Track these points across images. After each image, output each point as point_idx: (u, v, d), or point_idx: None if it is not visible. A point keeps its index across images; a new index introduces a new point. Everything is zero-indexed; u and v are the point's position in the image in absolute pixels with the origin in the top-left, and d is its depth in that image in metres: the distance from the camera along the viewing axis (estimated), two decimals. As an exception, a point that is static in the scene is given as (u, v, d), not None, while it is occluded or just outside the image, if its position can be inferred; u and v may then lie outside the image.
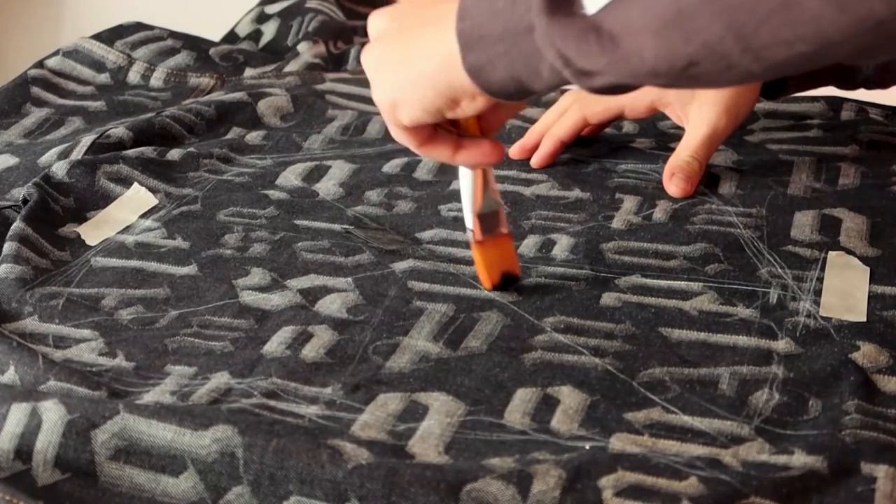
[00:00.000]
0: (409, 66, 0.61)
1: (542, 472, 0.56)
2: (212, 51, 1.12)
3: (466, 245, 0.79)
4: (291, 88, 1.04)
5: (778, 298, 0.71)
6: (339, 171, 0.89)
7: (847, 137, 0.93)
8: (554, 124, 0.91)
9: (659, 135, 0.95)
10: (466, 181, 0.69)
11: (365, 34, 1.21)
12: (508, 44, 0.56)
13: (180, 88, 1.06)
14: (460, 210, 0.83)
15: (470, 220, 0.70)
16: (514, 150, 0.92)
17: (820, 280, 0.73)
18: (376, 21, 0.65)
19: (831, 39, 0.47)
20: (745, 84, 0.51)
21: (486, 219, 0.70)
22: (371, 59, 0.64)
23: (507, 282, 0.72)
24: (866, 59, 0.51)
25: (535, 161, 0.90)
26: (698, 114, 0.86)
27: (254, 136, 0.96)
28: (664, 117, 0.93)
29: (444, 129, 0.66)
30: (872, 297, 0.71)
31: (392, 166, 0.90)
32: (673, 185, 0.84)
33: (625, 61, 0.51)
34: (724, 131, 0.86)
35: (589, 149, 0.93)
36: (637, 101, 0.89)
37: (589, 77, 0.53)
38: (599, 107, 0.90)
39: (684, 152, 0.85)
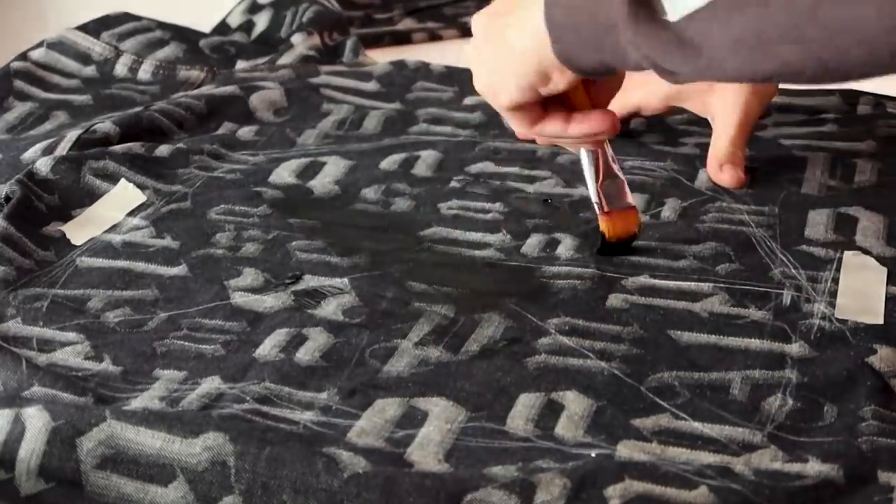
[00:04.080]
0: (500, 53, 0.66)
1: (545, 481, 0.56)
2: (202, 42, 1.12)
3: (467, 244, 0.79)
4: (285, 82, 1.04)
5: (791, 300, 0.71)
6: (335, 167, 0.89)
7: (863, 132, 0.93)
8: None
9: (667, 130, 0.95)
10: (585, 158, 0.75)
11: (361, 25, 1.21)
12: (595, 35, 0.59)
13: (169, 82, 1.06)
14: (460, 208, 0.83)
15: (594, 194, 0.75)
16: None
17: (835, 281, 0.73)
18: (474, 19, 0.70)
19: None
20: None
21: (609, 192, 0.75)
22: (470, 53, 0.70)
23: (626, 243, 0.77)
24: None
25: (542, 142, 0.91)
26: (723, 101, 0.86)
27: (246, 132, 0.96)
28: (672, 111, 0.93)
29: (555, 106, 0.70)
30: (890, 299, 0.71)
31: (389, 162, 0.90)
32: (726, 177, 0.85)
33: (707, 69, 0.56)
34: (754, 112, 0.87)
35: (594, 144, 0.92)
36: (652, 97, 0.89)
37: (673, 76, 0.58)
38: (614, 102, 0.90)
39: (723, 142, 0.86)
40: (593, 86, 0.71)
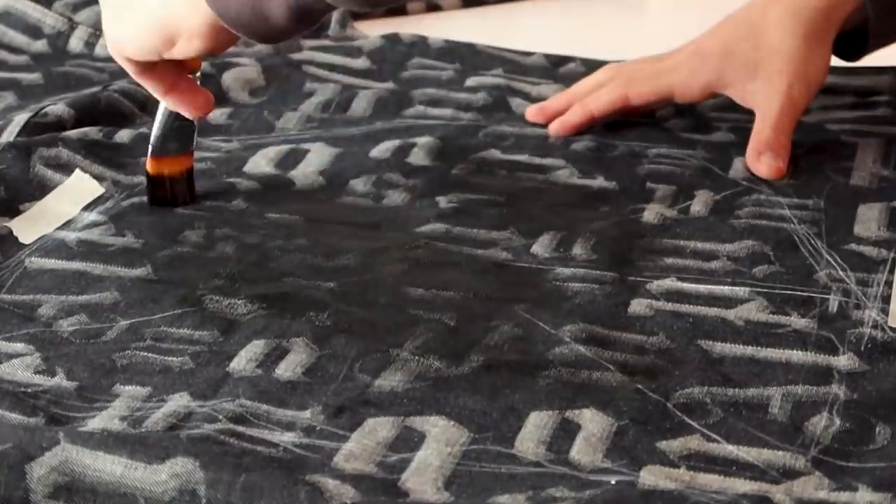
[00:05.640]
0: (136, 6, 0.71)
1: (559, 512, 0.56)
2: (168, 13, 1.11)
3: (470, 243, 0.79)
4: (262, 58, 1.04)
5: (839, 306, 0.72)
6: (319, 155, 0.89)
7: (920, 116, 0.93)
8: (589, 95, 0.92)
9: (697, 115, 0.95)
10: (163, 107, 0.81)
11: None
12: None
13: (131, 58, 1.06)
14: (462, 202, 0.83)
15: (157, 138, 0.82)
16: (532, 111, 0.93)
17: (889, 284, 0.73)
18: None
19: None
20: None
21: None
22: None
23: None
24: None
25: (556, 126, 0.91)
26: (766, 87, 0.87)
27: (218, 115, 0.96)
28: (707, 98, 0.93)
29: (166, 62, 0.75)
30: (951, 305, 0.72)
31: (381, 150, 0.90)
32: (763, 166, 0.86)
33: None
34: (801, 98, 0.87)
35: (614, 130, 0.93)
36: (690, 83, 0.90)
37: None
38: (646, 86, 0.91)
39: (765, 128, 0.87)
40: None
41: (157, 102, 0.80)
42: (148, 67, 0.75)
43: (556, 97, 0.95)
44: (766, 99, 0.88)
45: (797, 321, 0.70)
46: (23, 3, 1.10)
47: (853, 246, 0.77)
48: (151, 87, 0.77)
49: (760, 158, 0.86)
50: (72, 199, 0.84)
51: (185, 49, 0.71)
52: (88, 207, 0.83)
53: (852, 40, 0.91)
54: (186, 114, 0.79)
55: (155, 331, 0.71)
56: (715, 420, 0.63)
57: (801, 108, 0.88)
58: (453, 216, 0.82)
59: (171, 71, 0.76)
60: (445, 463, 0.60)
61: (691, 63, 0.91)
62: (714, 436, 0.62)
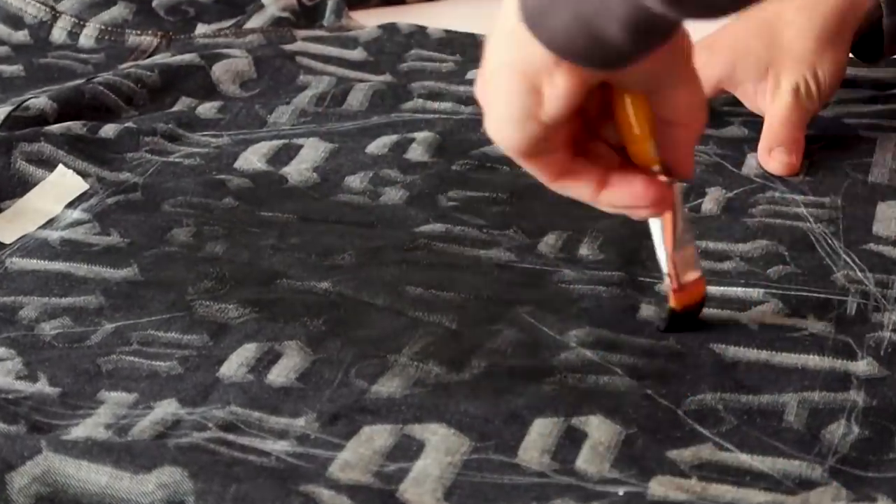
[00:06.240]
0: (491, 83, 0.61)
1: (565, 524, 0.56)
2: (155, 2, 1.11)
3: (471, 242, 0.79)
4: (254, 49, 1.04)
5: (857, 309, 0.71)
6: (313, 151, 0.89)
7: (942, 110, 0.93)
8: None
9: (709, 110, 0.95)
10: (654, 223, 0.68)
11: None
12: None
13: (116, 49, 1.06)
14: (462, 199, 0.83)
15: (665, 265, 0.69)
16: None
17: (909, 286, 0.73)
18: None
19: None
20: None
21: (681, 263, 0.69)
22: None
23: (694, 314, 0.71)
24: None
25: None
26: (776, 86, 0.87)
27: (207, 108, 0.96)
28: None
29: (593, 158, 0.63)
30: (974, 307, 0.72)
31: (378, 146, 0.90)
32: (775, 162, 0.86)
33: None
34: (811, 99, 0.88)
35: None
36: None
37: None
38: None
39: (775, 123, 0.87)
40: (666, 117, 0.64)
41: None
42: (564, 171, 0.62)
43: None
44: (776, 98, 0.88)
45: (814, 324, 0.70)
46: (3, -9, 1.10)
47: (872, 245, 0.77)
48: (576, 192, 0.63)
49: (772, 154, 0.86)
50: (54, 197, 0.84)
51: (553, 97, 0.58)
52: (72, 205, 0.83)
53: (872, 41, 0.91)
54: (625, 207, 0.64)
55: (141, 334, 0.70)
56: (728, 428, 0.63)
57: (812, 109, 0.88)
58: (453, 215, 0.82)
59: (595, 170, 0.63)
60: (445, 473, 0.60)
61: (700, 58, 0.90)
62: (727, 444, 0.62)
